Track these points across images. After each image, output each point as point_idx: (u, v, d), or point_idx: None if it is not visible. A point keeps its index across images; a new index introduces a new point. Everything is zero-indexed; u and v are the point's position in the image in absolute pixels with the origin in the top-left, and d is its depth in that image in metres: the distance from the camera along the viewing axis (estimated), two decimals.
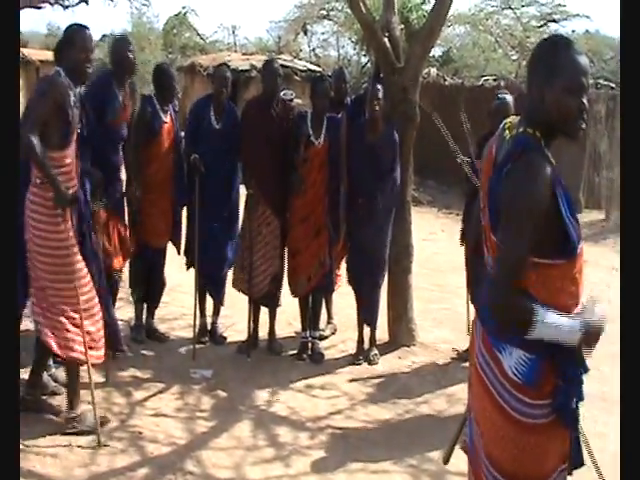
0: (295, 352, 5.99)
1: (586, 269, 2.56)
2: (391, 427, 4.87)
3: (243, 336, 6.04)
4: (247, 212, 5.87)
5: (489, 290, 2.38)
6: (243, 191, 5.97)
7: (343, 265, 6.18)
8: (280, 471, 4.24)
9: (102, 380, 5.10)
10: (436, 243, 10.53)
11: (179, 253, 6.13)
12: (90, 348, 4.35)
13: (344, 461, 4.34)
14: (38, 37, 31.12)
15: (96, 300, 4.45)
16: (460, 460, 3.01)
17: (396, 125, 5.86)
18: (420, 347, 6.26)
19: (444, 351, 6.24)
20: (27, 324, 4.80)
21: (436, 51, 22.00)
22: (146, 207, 5.76)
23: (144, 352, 5.82)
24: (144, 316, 6.12)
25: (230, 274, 6.10)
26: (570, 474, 2.61)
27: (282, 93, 6.06)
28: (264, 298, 6.00)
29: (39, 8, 13.26)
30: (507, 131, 2.54)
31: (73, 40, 4.31)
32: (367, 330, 5.99)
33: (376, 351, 5.99)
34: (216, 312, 6.24)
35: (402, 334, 6.28)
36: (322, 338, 6.23)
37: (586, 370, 2.50)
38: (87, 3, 20.71)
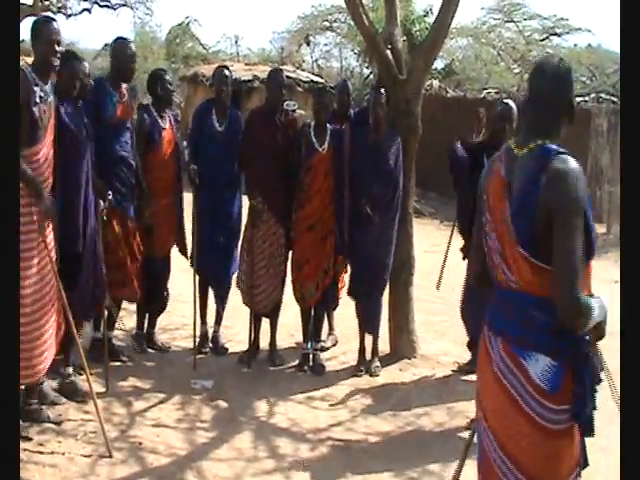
0: (296, 363, 5.99)
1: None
2: (391, 439, 4.86)
3: (244, 347, 6.03)
4: (250, 222, 5.88)
5: (565, 295, 2.42)
6: (245, 201, 5.98)
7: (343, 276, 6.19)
8: None
9: (102, 390, 5.09)
10: (438, 255, 10.50)
11: (185, 256, 6.11)
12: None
13: (344, 473, 4.33)
14: None
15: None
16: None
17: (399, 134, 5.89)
18: (421, 359, 6.25)
19: (445, 363, 6.23)
20: None
21: (438, 63, 22.08)
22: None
23: (145, 362, 5.82)
24: (145, 326, 6.12)
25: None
26: (579, 475, 2.68)
27: (285, 104, 6.09)
28: (266, 309, 6.00)
29: None
30: (516, 150, 2.59)
31: (38, 33, 4.24)
32: (368, 341, 5.99)
33: (377, 363, 5.98)
34: (218, 322, 6.24)
35: (403, 346, 6.28)
36: (323, 349, 6.22)
37: (599, 380, 2.58)
38: (90, 12, 20.84)
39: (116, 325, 5.91)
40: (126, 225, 5.47)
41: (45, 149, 4.26)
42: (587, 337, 2.55)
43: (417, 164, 6.35)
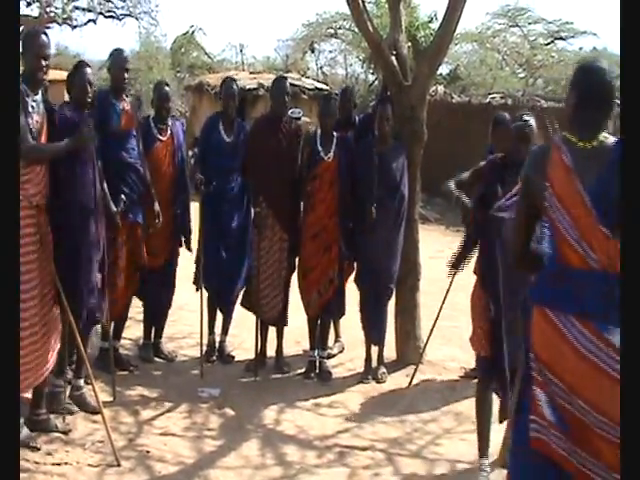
0: (303, 371, 5.99)
1: None
2: (399, 445, 4.85)
3: (251, 355, 6.03)
4: (256, 231, 5.87)
5: None
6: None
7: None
8: None
9: (110, 399, 5.11)
10: (444, 261, 10.49)
11: (187, 248, 6.10)
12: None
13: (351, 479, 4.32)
14: None
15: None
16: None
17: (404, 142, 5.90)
18: (428, 365, 6.24)
19: (452, 369, 6.22)
20: None
21: (443, 69, 22.08)
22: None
23: (152, 371, 5.83)
24: (152, 335, 6.13)
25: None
26: None
27: (290, 111, 6.10)
28: (272, 317, 6.01)
29: (47, 28, 13.40)
30: (581, 143, 2.80)
31: (26, 45, 4.20)
32: (375, 348, 5.98)
33: (384, 369, 5.97)
34: (225, 331, 6.25)
35: (410, 352, 6.26)
36: (330, 357, 6.22)
37: None
38: (95, 23, 20.91)
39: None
40: (136, 233, 5.50)
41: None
42: None
43: (422, 170, 6.35)
